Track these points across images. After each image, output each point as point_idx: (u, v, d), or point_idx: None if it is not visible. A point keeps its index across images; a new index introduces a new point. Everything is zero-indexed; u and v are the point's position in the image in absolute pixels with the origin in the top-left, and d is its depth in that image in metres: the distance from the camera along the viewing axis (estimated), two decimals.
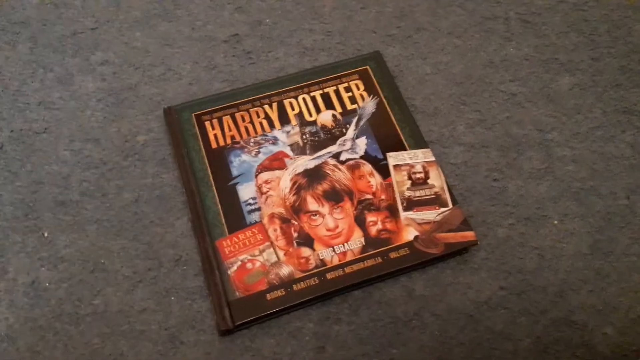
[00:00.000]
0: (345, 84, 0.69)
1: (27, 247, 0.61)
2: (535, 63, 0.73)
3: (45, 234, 0.61)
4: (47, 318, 0.57)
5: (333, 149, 0.64)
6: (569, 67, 0.72)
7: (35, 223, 0.62)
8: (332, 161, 0.63)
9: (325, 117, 0.67)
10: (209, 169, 0.63)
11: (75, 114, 0.69)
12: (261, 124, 0.66)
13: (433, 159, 0.64)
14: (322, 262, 0.58)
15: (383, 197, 0.61)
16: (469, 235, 0.59)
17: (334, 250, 0.58)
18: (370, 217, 0.60)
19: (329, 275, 0.57)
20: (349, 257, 0.58)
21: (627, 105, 0.70)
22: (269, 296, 0.56)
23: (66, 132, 0.68)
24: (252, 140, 0.65)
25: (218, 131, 0.65)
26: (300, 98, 0.68)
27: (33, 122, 0.68)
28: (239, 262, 0.57)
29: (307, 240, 0.59)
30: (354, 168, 0.63)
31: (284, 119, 0.66)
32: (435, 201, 0.61)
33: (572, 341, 0.56)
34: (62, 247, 0.61)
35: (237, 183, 0.62)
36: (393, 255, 0.58)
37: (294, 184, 0.62)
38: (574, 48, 0.74)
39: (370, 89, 0.68)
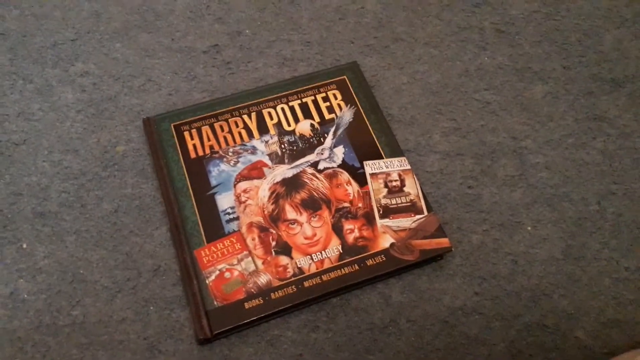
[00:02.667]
0: (323, 94, 0.70)
1: (5, 259, 0.61)
2: (509, 72, 0.74)
3: (24, 245, 0.61)
4: (25, 329, 0.57)
5: (311, 158, 0.65)
6: (541, 76, 0.74)
7: (13, 234, 0.62)
8: (310, 170, 0.64)
9: (304, 127, 0.68)
10: (187, 179, 0.63)
11: (54, 125, 0.69)
12: (240, 133, 0.67)
13: (409, 167, 0.65)
14: (300, 270, 0.58)
15: (360, 205, 0.62)
16: (443, 242, 0.60)
17: (311, 258, 0.59)
18: (348, 225, 0.61)
19: (306, 283, 0.58)
20: (327, 265, 0.59)
21: (598, 112, 0.71)
22: (247, 305, 0.56)
23: (45, 143, 0.68)
24: (230, 149, 0.65)
25: (197, 141, 0.66)
26: (279, 108, 0.69)
27: (12, 133, 0.68)
28: (217, 272, 0.58)
29: (285, 249, 0.60)
30: (331, 177, 0.64)
31: (263, 129, 0.67)
32: (411, 208, 0.62)
33: (545, 345, 0.58)
34: (41, 258, 0.61)
35: (216, 193, 0.63)
36: (370, 262, 0.59)
37: (272, 193, 0.63)
38: (547, 57, 0.76)
39: (347, 99, 0.70)
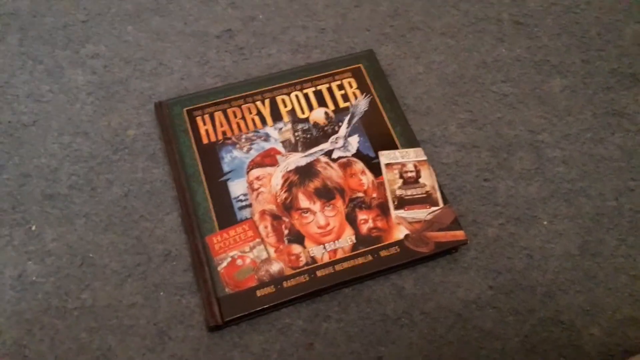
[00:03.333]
0: (338, 82, 0.69)
1: (14, 241, 0.60)
2: (527, 64, 0.73)
3: (33, 228, 0.61)
4: (33, 312, 0.56)
5: (325, 146, 0.64)
6: (560, 69, 0.73)
7: (22, 216, 0.61)
8: (324, 159, 0.63)
9: (318, 115, 0.67)
10: (199, 164, 0.62)
11: (64, 107, 0.68)
12: (253, 120, 0.66)
13: (424, 158, 0.64)
14: (313, 260, 0.58)
15: (374, 195, 0.61)
16: (459, 234, 0.59)
17: (324, 248, 0.58)
18: (362, 215, 0.60)
19: (319, 273, 0.57)
20: (340, 255, 0.58)
21: (617, 107, 0.70)
22: (258, 293, 0.56)
23: (55, 125, 0.67)
24: (243, 136, 0.65)
25: (209, 127, 0.65)
26: (292, 95, 0.68)
27: (22, 114, 0.67)
28: (229, 259, 0.57)
29: (297, 238, 0.59)
30: (345, 166, 0.63)
31: (276, 116, 0.66)
32: (426, 200, 0.61)
33: (560, 341, 0.57)
34: (50, 240, 0.60)
35: (228, 179, 0.62)
36: (383, 253, 0.58)
37: (285, 181, 0.62)
38: (566, 50, 0.74)
39: (363, 87, 0.68)
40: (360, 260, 0.58)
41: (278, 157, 0.63)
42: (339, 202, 0.61)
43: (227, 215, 0.59)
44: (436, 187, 0.62)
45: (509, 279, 0.60)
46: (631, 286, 0.59)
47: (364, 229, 0.59)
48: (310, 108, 0.67)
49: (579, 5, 0.78)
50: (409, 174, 0.63)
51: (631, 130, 0.68)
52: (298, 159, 0.63)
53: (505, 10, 0.78)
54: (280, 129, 0.65)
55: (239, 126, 0.65)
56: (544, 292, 0.59)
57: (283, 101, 0.67)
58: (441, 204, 0.61)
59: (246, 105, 0.67)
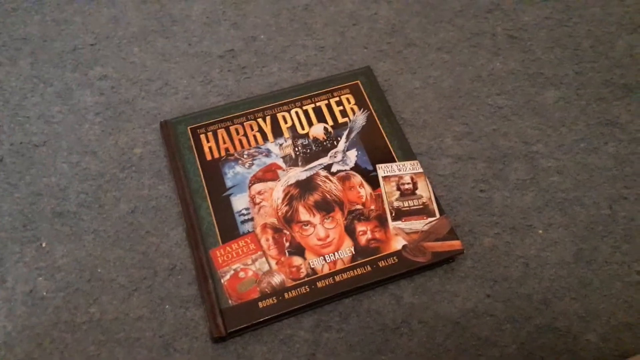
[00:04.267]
0: (337, 98, 0.71)
1: (25, 257, 0.62)
2: (521, 77, 0.75)
3: (43, 244, 0.63)
4: (44, 326, 0.58)
5: (324, 160, 0.66)
6: (553, 81, 0.75)
7: (33, 233, 0.63)
8: (323, 173, 0.65)
9: (317, 130, 0.69)
10: (203, 180, 0.64)
11: (73, 127, 0.71)
12: (255, 136, 0.68)
13: (421, 170, 0.65)
14: (313, 271, 0.59)
15: (373, 207, 0.63)
16: (455, 244, 0.61)
17: (324, 259, 0.60)
18: (360, 227, 0.62)
19: (319, 284, 0.58)
20: (339, 266, 0.60)
21: (609, 117, 0.72)
22: (261, 304, 0.57)
23: (65, 145, 0.69)
24: (245, 152, 0.67)
25: (213, 144, 0.67)
26: (293, 112, 0.70)
27: (33, 135, 0.70)
28: (232, 271, 0.59)
29: (298, 250, 0.60)
30: (344, 179, 0.65)
31: (277, 132, 0.68)
32: (423, 211, 0.63)
33: (556, 347, 0.58)
34: (60, 256, 0.62)
35: (231, 194, 0.64)
36: (382, 264, 0.60)
37: (286, 194, 0.64)
38: (559, 63, 0.76)
39: (360, 103, 0.71)
40: (359, 271, 0.59)
41: (279, 171, 0.65)
42: (338, 215, 0.63)
43: (230, 229, 0.61)
44: (433, 198, 0.64)
45: (506, 287, 0.61)
46: (626, 292, 0.60)
47: (363, 240, 0.61)
48: (310, 124, 0.69)
49: (571, 18, 0.80)
50: (406, 186, 0.64)
51: (624, 140, 0.70)
52: (298, 174, 0.65)
53: (499, 24, 0.80)
54: (281, 144, 0.67)
55: (241, 143, 0.67)
56: (540, 299, 0.60)
57: (284, 118, 0.69)
58: (438, 215, 0.63)
59: (248, 122, 0.69)
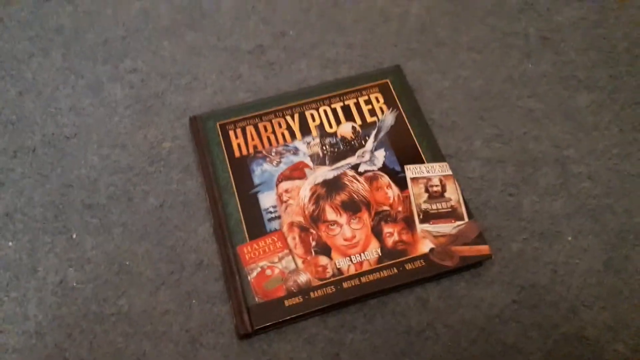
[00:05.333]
0: (366, 97, 0.71)
1: (56, 248, 0.63)
2: (553, 79, 0.74)
3: (74, 236, 0.64)
4: (74, 316, 0.59)
5: (352, 160, 0.66)
6: (587, 84, 0.73)
7: (64, 225, 0.64)
8: (350, 172, 0.65)
9: (345, 129, 0.68)
10: (231, 177, 0.65)
11: (104, 120, 0.71)
12: (283, 134, 0.68)
13: (450, 172, 0.65)
14: (339, 271, 0.59)
15: (400, 209, 0.63)
16: (483, 249, 0.60)
17: (350, 260, 0.60)
18: (387, 229, 0.62)
19: (345, 284, 0.59)
20: (365, 267, 0.59)
21: None
22: (287, 302, 0.58)
23: (95, 137, 0.70)
24: (274, 150, 0.67)
25: (241, 140, 0.67)
26: (321, 110, 0.70)
27: (64, 127, 0.71)
28: (259, 269, 0.59)
29: (324, 249, 0.61)
30: (372, 180, 0.65)
31: (305, 130, 0.68)
32: (452, 214, 0.62)
33: (583, 357, 0.57)
34: (89, 248, 0.63)
35: (259, 191, 0.64)
36: (408, 266, 0.59)
37: (313, 193, 0.64)
38: (593, 65, 0.75)
39: (389, 102, 0.70)
40: (385, 273, 0.59)
41: (306, 170, 0.65)
42: (365, 215, 0.62)
43: (257, 226, 0.62)
44: (461, 201, 0.63)
45: (533, 293, 0.60)
46: None
47: (390, 242, 0.61)
48: (338, 122, 0.69)
49: (607, 20, 0.78)
50: (435, 188, 0.64)
51: None
52: (325, 173, 0.65)
53: (532, 25, 0.78)
54: (309, 143, 0.67)
55: (269, 140, 0.67)
56: (567, 307, 0.60)
57: (312, 116, 0.69)
58: (466, 219, 0.62)
59: (276, 119, 0.69)
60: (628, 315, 0.59)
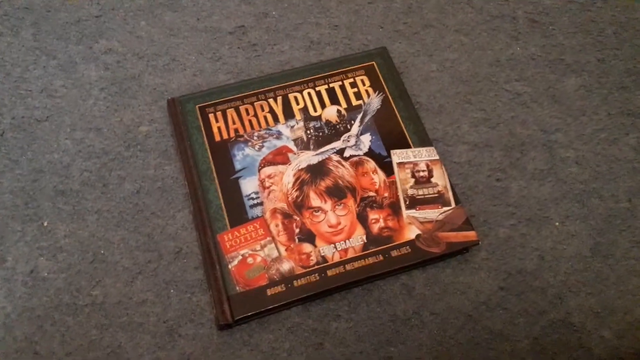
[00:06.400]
0: (351, 79, 0.68)
1: (26, 236, 0.60)
2: (541, 63, 0.72)
3: (45, 224, 0.61)
4: (45, 308, 0.57)
5: (337, 145, 0.64)
6: (575, 68, 0.72)
7: (35, 212, 0.62)
8: (335, 157, 0.63)
9: (330, 113, 0.66)
10: (211, 162, 0.62)
11: (77, 102, 0.68)
12: (265, 117, 0.66)
13: (437, 157, 0.63)
14: (323, 259, 0.58)
15: (386, 194, 0.61)
16: (470, 235, 0.59)
17: (335, 247, 0.58)
18: (373, 215, 0.60)
19: (329, 272, 0.57)
20: (350, 254, 0.58)
21: (632, 108, 0.69)
22: (269, 291, 0.56)
23: (68, 120, 0.67)
24: (256, 134, 0.64)
25: (222, 124, 0.65)
26: (305, 92, 0.67)
27: (35, 109, 0.68)
28: (240, 257, 0.57)
29: (308, 237, 0.59)
30: (357, 165, 0.63)
31: (289, 113, 0.66)
32: (438, 200, 0.61)
33: (570, 343, 0.56)
34: (62, 236, 0.60)
35: (240, 177, 0.62)
36: (394, 253, 0.58)
37: (297, 179, 0.62)
38: (581, 49, 0.73)
39: (375, 85, 0.68)
40: (370, 260, 0.58)
41: (290, 155, 0.63)
42: (350, 201, 0.61)
43: (238, 213, 0.60)
44: (448, 186, 0.62)
45: (520, 280, 0.59)
46: None
47: (375, 228, 0.59)
48: (323, 106, 0.67)
49: (595, 3, 0.77)
50: (421, 174, 0.62)
51: None
52: (310, 157, 0.63)
53: (520, 7, 0.77)
54: (293, 126, 0.65)
55: (251, 124, 0.65)
56: (554, 293, 0.59)
57: (295, 99, 0.67)
58: (453, 204, 0.61)
59: (258, 102, 0.66)
60: (614, 302, 0.58)
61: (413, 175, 0.62)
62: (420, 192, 0.61)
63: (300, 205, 0.60)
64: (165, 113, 0.67)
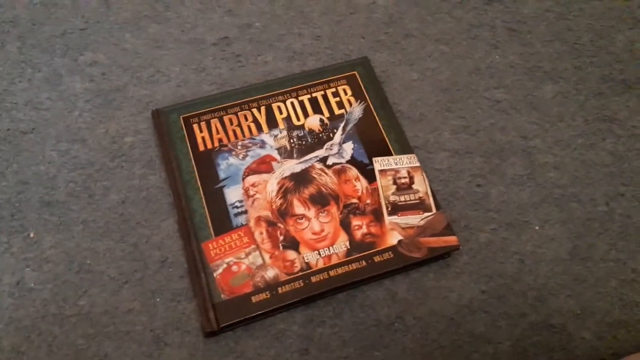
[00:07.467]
0: (333, 89, 0.70)
1: (12, 248, 0.61)
2: (519, 71, 0.74)
3: (31, 235, 0.61)
4: (31, 318, 0.57)
5: (320, 153, 0.65)
6: (552, 76, 0.74)
7: (21, 223, 0.62)
8: (318, 165, 0.64)
9: (313, 122, 0.67)
10: (196, 171, 0.63)
11: (62, 114, 0.69)
12: (249, 127, 0.67)
13: (418, 164, 0.65)
14: (308, 265, 0.58)
15: (368, 201, 0.62)
16: (451, 240, 0.60)
17: (319, 254, 0.59)
18: (356, 221, 0.61)
19: (313, 279, 0.58)
20: (334, 261, 0.59)
21: (608, 113, 0.71)
22: (254, 299, 0.56)
23: (53, 132, 0.68)
24: (239, 143, 0.65)
25: (206, 134, 0.66)
26: (288, 102, 0.68)
27: (20, 122, 0.68)
28: (225, 265, 0.58)
29: (292, 244, 0.59)
30: (340, 172, 0.64)
31: (272, 123, 0.67)
32: (419, 206, 0.62)
33: (551, 345, 0.58)
34: (48, 247, 0.61)
35: (224, 186, 0.62)
36: (377, 259, 0.59)
37: (280, 187, 0.63)
38: (558, 57, 0.75)
39: (357, 94, 0.69)
40: (354, 266, 0.58)
41: (273, 163, 0.64)
42: (334, 208, 0.62)
43: (223, 221, 0.60)
44: (429, 193, 0.63)
45: (501, 283, 0.60)
46: (621, 290, 0.60)
47: (358, 234, 0.60)
48: (306, 115, 0.68)
49: (571, 12, 0.79)
50: (403, 180, 0.63)
51: (622, 136, 0.69)
52: (293, 166, 0.64)
53: (499, 17, 0.78)
54: (276, 135, 0.66)
55: (235, 133, 0.66)
56: (535, 296, 0.60)
57: (279, 108, 0.68)
58: (434, 210, 0.62)
59: (242, 112, 0.67)
60: (594, 303, 0.60)
61: (395, 182, 0.63)
62: (402, 199, 0.62)
63: (284, 212, 0.61)
64: (150, 124, 0.68)
